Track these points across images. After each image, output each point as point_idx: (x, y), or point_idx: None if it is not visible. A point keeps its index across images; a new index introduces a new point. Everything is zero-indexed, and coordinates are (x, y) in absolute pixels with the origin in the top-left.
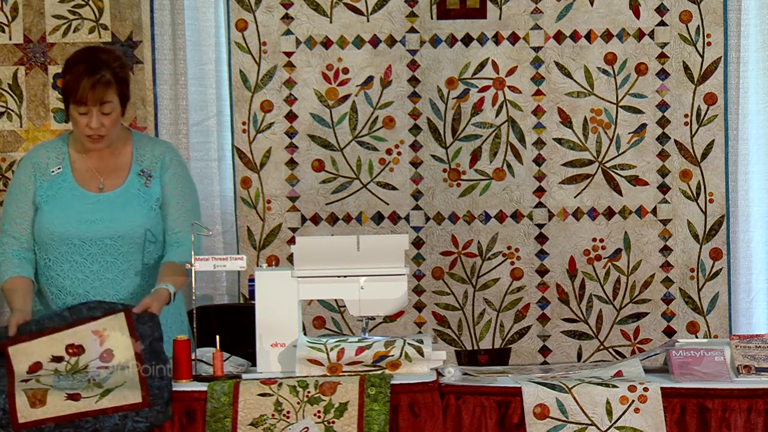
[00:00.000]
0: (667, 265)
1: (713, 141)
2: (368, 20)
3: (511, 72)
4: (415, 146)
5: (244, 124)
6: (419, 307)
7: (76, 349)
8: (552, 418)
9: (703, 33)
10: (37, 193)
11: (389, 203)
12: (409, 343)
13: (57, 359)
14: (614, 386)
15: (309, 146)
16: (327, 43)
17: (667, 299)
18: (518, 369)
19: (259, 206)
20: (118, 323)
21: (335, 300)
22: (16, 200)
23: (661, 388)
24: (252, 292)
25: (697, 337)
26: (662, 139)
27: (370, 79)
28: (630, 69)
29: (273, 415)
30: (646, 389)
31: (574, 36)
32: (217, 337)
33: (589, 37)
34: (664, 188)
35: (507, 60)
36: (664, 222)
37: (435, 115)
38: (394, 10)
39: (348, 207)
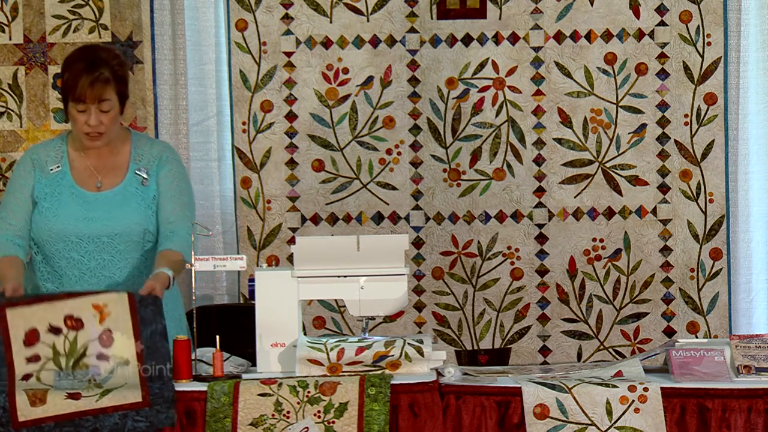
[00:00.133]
0: (667, 265)
1: (713, 141)
2: (368, 20)
3: (511, 72)
4: (415, 146)
5: (244, 124)
6: (419, 307)
7: (75, 323)
8: (552, 418)
9: (703, 33)
10: (35, 188)
11: (389, 203)
12: (409, 343)
13: (55, 330)
14: (614, 386)
15: (309, 146)
16: (327, 43)
17: (667, 299)
18: (518, 369)
19: (259, 206)
20: (120, 302)
21: (335, 300)
22: (15, 192)
23: (661, 388)
24: (252, 292)
25: (697, 337)
26: (662, 139)
27: (370, 79)
28: (630, 69)
29: (273, 415)
30: (646, 389)
31: (574, 36)
32: (217, 337)
33: (589, 37)
34: (664, 188)
35: (507, 60)
36: (664, 222)
37: (435, 115)
38: (394, 10)
39: (348, 207)
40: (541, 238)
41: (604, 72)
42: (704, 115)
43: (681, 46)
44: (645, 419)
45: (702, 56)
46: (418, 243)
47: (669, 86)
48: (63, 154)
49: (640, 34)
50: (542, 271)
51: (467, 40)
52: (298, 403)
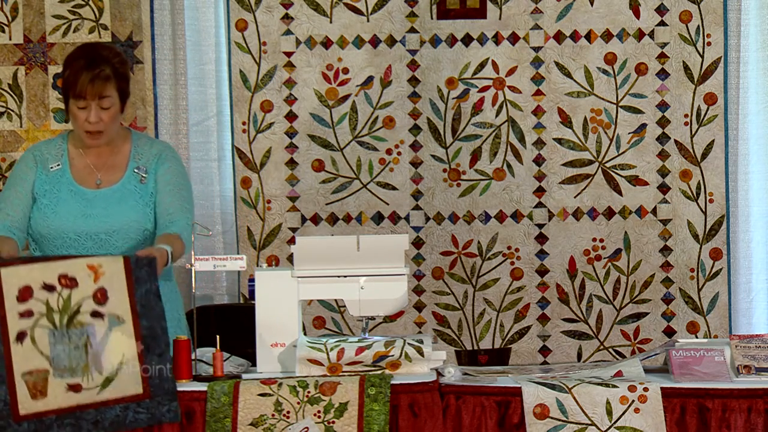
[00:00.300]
0: (667, 265)
1: (713, 141)
2: (368, 20)
3: (511, 72)
4: (415, 146)
5: (244, 124)
6: (419, 307)
7: (69, 282)
8: (552, 418)
9: (703, 33)
10: (36, 184)
11: (389, 203)
12: (409, 343)
13: (49, 288)
14: (614, 386)
15: (309, 146)
16: (327, 43)
17: (667, 299)
18: (518, 369)
19: (259, 206)
20: (115, 263)
21: (335, 300)
22: (15, 185)
23: (661, 388)
24: (252, 292)
25: (697, 337)
26: (662, 139)
27: (370, 79)
28: (630, 69)
29: (273, 415)
30: (646, 389)
31: (574, 36)
32: (217, 337)
33: (589, 37)
34: (664, 188)
35: (507, 60)
36: (664, 222)
37: (435, 115)
38: (394, 10)
39: (348, 207)
40: (541, 238)
41: (604, 72)
42: (704, 115)
43: (681, 46)
44: (645, 419)
45: (702, 56)
46: (418, 243)
47: (669, 86)
48: (63, 152)
49: (640, 34)
50: (542, 271)
51: (467, 40)
52: (298, 403)
